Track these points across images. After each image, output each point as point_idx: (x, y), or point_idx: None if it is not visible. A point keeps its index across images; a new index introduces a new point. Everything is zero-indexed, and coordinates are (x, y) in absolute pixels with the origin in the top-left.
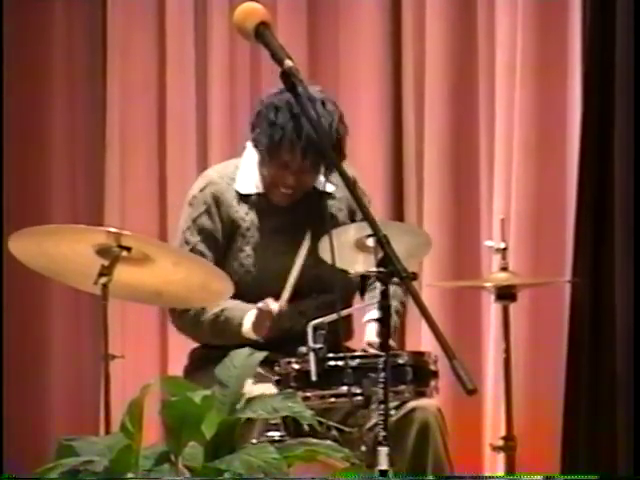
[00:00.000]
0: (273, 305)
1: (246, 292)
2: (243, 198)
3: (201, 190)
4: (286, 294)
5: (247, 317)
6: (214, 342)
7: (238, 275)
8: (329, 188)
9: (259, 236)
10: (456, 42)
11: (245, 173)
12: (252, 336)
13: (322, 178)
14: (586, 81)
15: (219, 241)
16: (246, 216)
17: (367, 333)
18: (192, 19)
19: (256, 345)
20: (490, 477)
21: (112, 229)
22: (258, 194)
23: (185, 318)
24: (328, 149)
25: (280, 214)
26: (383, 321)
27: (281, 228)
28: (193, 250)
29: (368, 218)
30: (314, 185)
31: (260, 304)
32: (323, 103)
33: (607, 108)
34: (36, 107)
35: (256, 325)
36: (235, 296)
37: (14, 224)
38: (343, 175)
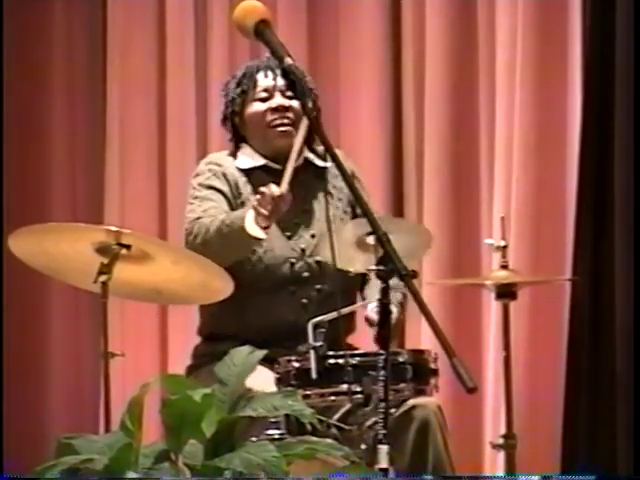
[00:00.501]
0: (274, 188)
1: (252, 271)
2: (245, 177)
3: (206, 164)
4: (286, 179)
5: (248, 212)
6: (225, 256)
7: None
8: (324, 164)
9: None
10: (456, 41)
11: (243, 153)
12: (255, 231)
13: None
14: (586, 80)
15: (230, 200)
16: (249, 195)
17: (368, 307)
18: (192, 19)
19: (256, 343)
20: (487, 477)
21: (112, 227)
22: (259, 171)
23: (195, 238)
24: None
25: None
26: (383, 319)
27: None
28: (204, 200)
29: (365, 210)
30: (313, 162)
31: (262, 188)
32: None
33: (607, 107)
34: (36, 107)
35: (258, 210)
36: (242, 278)
37: (14, 223)
38: (332, 154)
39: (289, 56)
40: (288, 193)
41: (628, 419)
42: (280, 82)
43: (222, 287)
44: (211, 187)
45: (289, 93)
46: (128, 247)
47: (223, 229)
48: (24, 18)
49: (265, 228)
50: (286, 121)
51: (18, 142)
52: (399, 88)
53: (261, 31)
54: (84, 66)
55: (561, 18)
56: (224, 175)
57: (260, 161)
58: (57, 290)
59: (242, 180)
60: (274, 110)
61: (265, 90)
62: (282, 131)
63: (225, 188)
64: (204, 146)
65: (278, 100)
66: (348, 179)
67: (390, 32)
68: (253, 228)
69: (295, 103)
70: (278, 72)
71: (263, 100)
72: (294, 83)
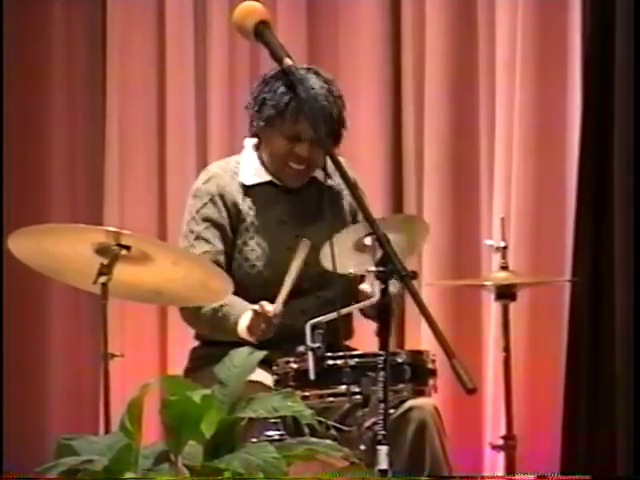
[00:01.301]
0: (268, 307)
1: (251, 286)
2: (247, 191)
3: (205, 182)
4: (282, 297)
5: (243, 317)
6: (213, 336)
7: (243, 269)
8: (330, 182)
9: (263, 230)
10: (456, 41)
11: (247, 166)
12: (246, 337)
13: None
14: (586, 79)
15: (225, 230)
16: (250, 210)
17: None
18: (192, 19)
19: (254, 346)
20: (483, 477)
21: (111, 228)
22: (262, 184)
23: (187, 309)
24: (324, 128)
25: (284, 206)
26: (383, 320)
27: (285, 220)
28: (198, 238)
29: (367, 216)
30: (316, 177)
31: (256, 306)
32: (321, 86)
33: (607, 106)
34: (36, 107)
35: (251, 327)
36: (241, 290)
37: (14, 224)
38: (336, 162)
39: (289, 57)
40: (282, 310)
41: (628, 420)
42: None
43: (222, 288)
44: (207, 219)
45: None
46: (128, 248)
47: (214, 320)
48: (24, 18)
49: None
50: (303, 167)
51: (18, 142)
52: (399, 88)
53: (261, 32)
54: (84, 66)
55: (561, 18)
56: (222, 198)
57: (265, 177)
58: (57, 291)
59: (240, 197)
60: (297, 156)
61: (296, 132)
62: (296, 175)
63: (222, 217)
64: (204, 146)
65: (304, 150)
66: (351, 186)
67: (390, 32)
68: (245, 334)
69: (319, 151)
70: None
71: (290, 139)
72: (294, 85)
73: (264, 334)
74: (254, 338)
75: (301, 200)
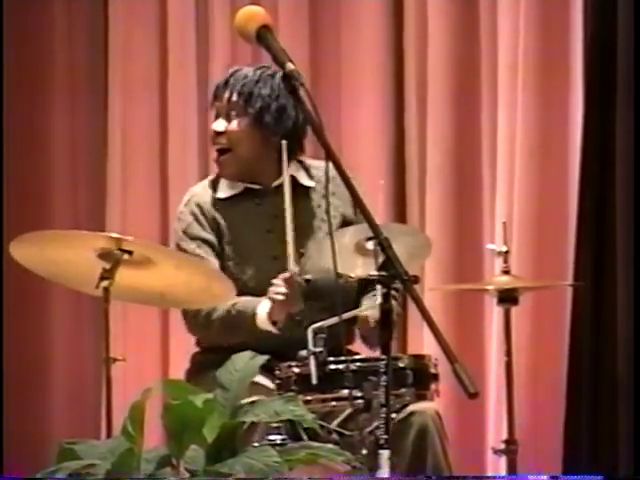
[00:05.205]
0: (285, 275)
1: (242, 293)
2: (226, 205)
3: (185, 204)
4: (291, 257)
5: (261, 306)
6: (227, 340)
7: None
8: (310, 183)
9: (248, 240)
10: (458, 44)
11: (224, 180)
12: (267, 326)
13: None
14: (588, 82)
15: (215, 246)
16: (229, 224)
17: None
18: (193, 20)
19: (256, 349)
20: (493, 477)
21: (113, 234)
22: (241, 195)
23: (197, 319)
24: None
25: (268, 214)
26: (384, 324)
27: (270, 228)
28: (193, 255)
29: (369, 219)
30: (297, 179)
31: (277, 280)
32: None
33: (609, 109)
34: (37, 109)
35: (275, 307)
36: None
37: (15, 228)
38: (326, 146)
39: (290, 61)
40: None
41: (629, 422)
42: (234, 98)
43: (224, 291)
44: (195, 237)
45: (234, 112)
46: (130, 252)
47: (229, 319)
48: (24, 18)
49: (275, 324)
50: (217, 147)
51: (19, 145)
52: (401, 91)
53: (263, 37)
54: (85, 67)
55: (563, 19)
56: (204, 215)
57: (239, 187)
58: (59, 295)
59: (219, 214)
60: (212, 135)
61: (216, 110)
62: (220, 160)
63: (209, 236)
64: (205, 149)
65: (214, 124)
66: (352, 189)
67: (392, 36)
68: (266, 323)
69: (234, 125)
70: (236, 88)
71: (215, 120)
72: (295, 89)
73: (291, 305)
74: (276, 322)
75: (283, 206)
